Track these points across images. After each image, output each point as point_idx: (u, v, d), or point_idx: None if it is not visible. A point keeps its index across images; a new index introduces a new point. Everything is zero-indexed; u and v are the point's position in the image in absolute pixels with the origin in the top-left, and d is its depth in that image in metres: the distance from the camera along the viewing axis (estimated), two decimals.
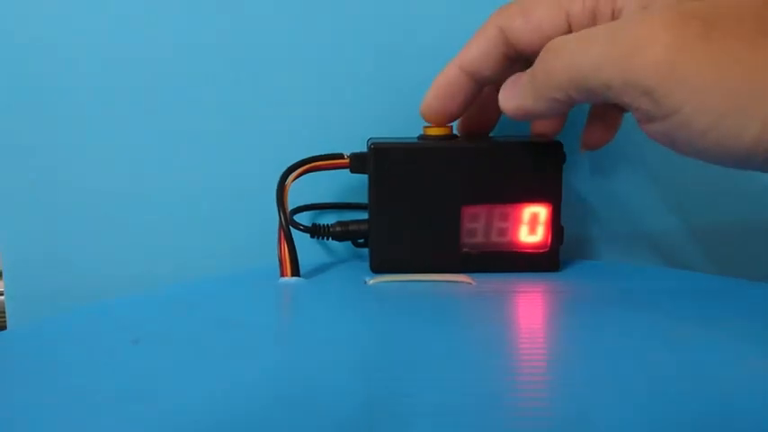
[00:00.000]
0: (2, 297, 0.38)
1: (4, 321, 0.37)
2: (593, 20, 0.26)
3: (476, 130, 0.33)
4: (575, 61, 0.24)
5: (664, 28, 0.22)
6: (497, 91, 0.29)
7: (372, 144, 0.31)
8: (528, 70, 0.27)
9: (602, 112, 0.30)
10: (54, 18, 0.34)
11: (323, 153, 0.32)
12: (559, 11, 0.27)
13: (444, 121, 0.31)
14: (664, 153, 0.36)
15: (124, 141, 0.36)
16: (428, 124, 0.32)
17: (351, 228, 0.33)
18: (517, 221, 0.32)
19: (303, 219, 0.35)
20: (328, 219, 0.36)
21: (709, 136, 0.22)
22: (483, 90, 0.30)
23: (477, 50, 0.29)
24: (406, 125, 0.33)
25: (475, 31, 0.29)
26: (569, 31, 0.27)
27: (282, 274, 0.31)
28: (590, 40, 0.24)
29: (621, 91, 0.23)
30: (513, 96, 0.28)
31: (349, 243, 0.35)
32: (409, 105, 0.32)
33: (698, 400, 0.19)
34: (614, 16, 0.26)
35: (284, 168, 0.32)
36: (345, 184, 0.36)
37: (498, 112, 0.32)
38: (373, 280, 0.31)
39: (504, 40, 0.28)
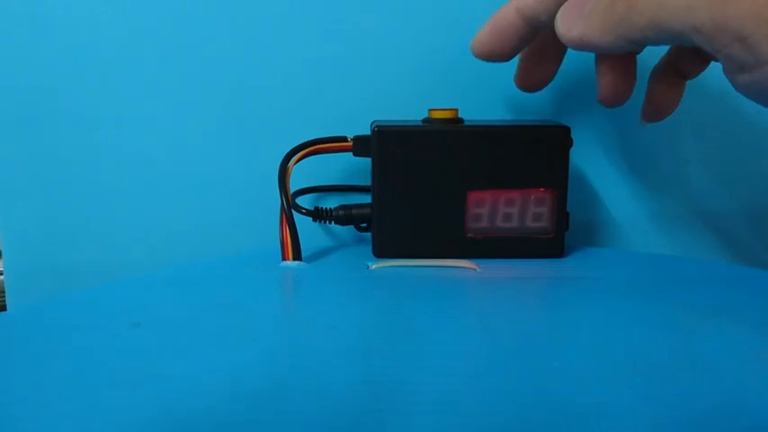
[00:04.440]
0: (1, 276, 0.38)
1: (4, 301, 0.37)
2: None
3: (533, 84, 0.31)
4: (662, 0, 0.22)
5: None
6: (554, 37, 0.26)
7: (376, 127, 0.31)
8: None
9: (665, 76, 0.29)
10: (54, 13, 0.34)
11: (326, 135, 0.32)
12: None
13: (494, 59, 0.29)
14: (671, 138, 0.36)
15: (125, 123, 0.35)
16: (433, 107, 0.31)
17: (353, 212, 0.33)
18: (523, 207, 0.31)
19: (305, 202, 0.35)
20: (331, 202, 0.35)
21: None
22: (539, 35, 0.28)
23: None
24: (410, 108, 0.32)
25: None
26: None
27: (284, 258, 0.31)
28: None
29: (711, 36, 0.21)
30: (577, 23, 0.25)
31: (351, 227, 0.34)
32: (414, 87, 0.31)
33: (700, 389, 0.19)
34: None
35: (286, 151, 0.32)
36: (348, 168, 0.35)
37: (557, 62, 0.30)
38: (376, 265, 0.31)
39: None
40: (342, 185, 0.36)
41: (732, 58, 0.22)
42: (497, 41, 0.28)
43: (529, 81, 0.31)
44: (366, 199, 0.33)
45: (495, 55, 0.29)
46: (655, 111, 0.29)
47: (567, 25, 0.25)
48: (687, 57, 0.28)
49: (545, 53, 0.29)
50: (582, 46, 0.25)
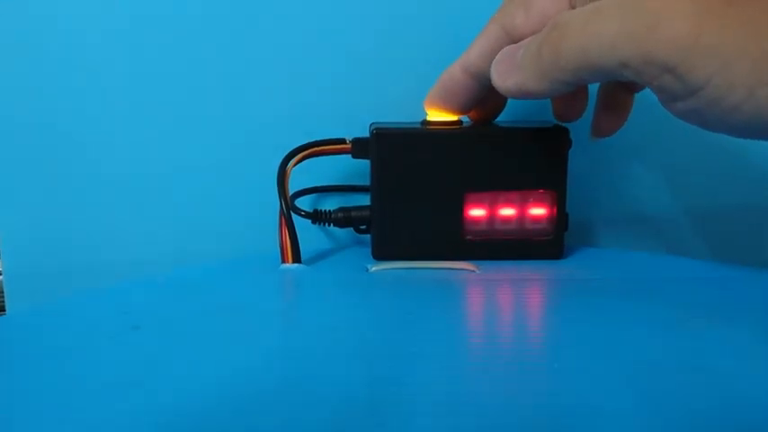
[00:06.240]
0: (0, 277, 0.38)
1: (3, 302, 0.37)
2: None
3: (481, 118, 0.32)
4: (585, 41, 0.22)
5: None
6: None
7: (375, 129, 0.31)
8: (527, 44, 0.25)
9: (612, 95, 0.29)
10: (53, 15, 0.34)
11: (325, 138, 0.32)
12: None
13: (449, 116, 0.31)
14: (669, 138, 0.36)
15: (125, 125, 0.35)
16: None
17: (353, 214, 0.33)
18: (521, 208, 0.31)
19: (305, 203, 0.35)
20: (330, 203, 0.35)
21: (743, 109, 0.21)
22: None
23: (479, 51, 0.27)
24: (409, 110, 0.32)
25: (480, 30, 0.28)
26: None
27: (283, 261, 0.31)
28: (601, 16, 0.22)
29: (640, 70, 0.22)
30: (512, 74, 0.25)
31: (351, 229, 0.34)
32: (413, 90, 0.31)
33: (698, 390, 0.19)
34: None
35: (285, 153, 0.32)
36: (347, 170, 0.35)
37: (504, 101, 0.31)
38: (375, 267, 0.31)
39: (508, 38, 0.27)
40: (340, 186, 0.36)
41: (664, 89, 0.22)
42: (449, 99, 0.29)
43: (476, 117, 0.32)
44: (365, 200, 0.33)
45: (448, 112, 0.30)
46: (602, 129, 0.29)
47: (503, 76, 0.26)
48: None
49: (492, 93, 0.29)
50: (520, 95, 0.25)
